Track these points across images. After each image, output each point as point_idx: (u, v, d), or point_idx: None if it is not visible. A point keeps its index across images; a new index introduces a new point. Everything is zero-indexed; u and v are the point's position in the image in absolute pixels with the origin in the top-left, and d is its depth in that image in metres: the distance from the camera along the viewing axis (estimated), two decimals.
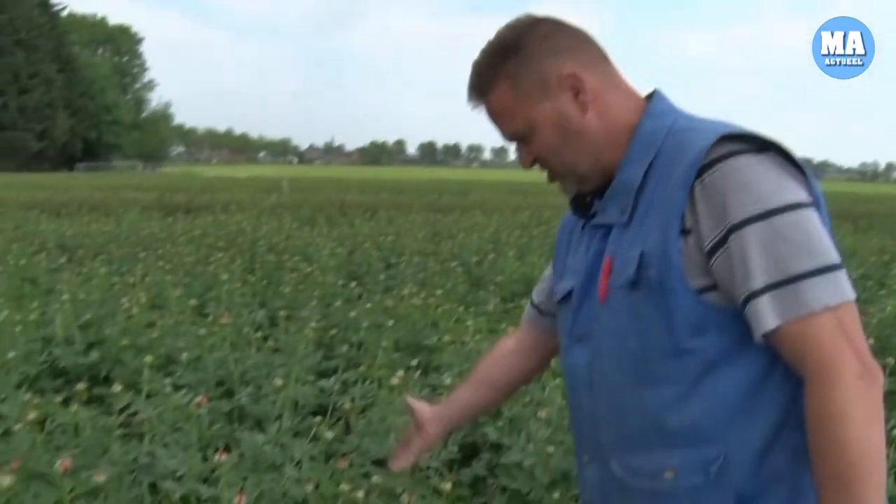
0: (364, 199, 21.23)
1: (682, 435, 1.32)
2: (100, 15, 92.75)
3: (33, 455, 3.00)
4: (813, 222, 1.23)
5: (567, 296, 1.53)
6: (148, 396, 3.67)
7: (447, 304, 6.21)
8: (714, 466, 1.29)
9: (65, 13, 76.51)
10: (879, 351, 4.80)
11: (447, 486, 2.50)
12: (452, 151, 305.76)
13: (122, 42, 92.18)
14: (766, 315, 1.20)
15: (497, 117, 1.48)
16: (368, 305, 5.97)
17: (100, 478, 2.51)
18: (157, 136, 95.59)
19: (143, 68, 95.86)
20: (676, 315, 1.29)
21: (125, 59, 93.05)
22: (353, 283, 6.93)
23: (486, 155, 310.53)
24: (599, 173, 1.45)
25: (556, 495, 3.01)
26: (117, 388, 3.33)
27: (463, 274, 8.13)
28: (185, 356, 4.44)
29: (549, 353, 1.82)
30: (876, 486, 1.14)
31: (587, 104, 1.40)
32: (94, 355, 4.98)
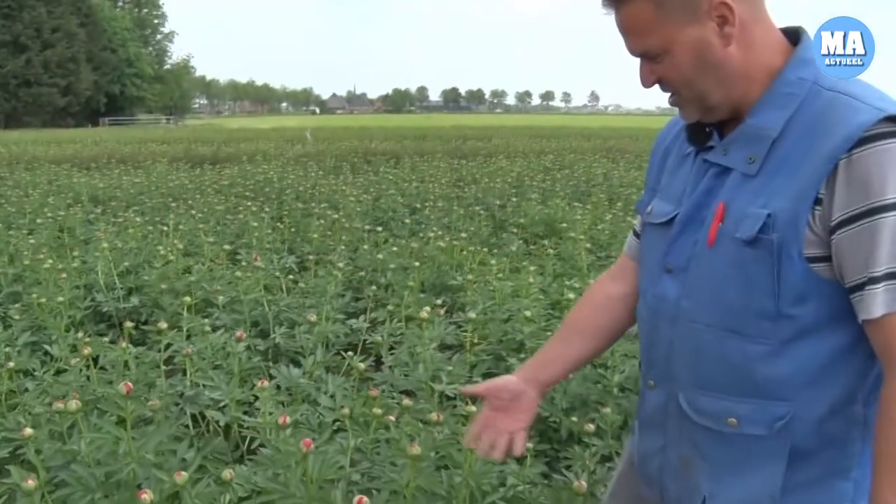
0: (387, 146, 21.24)
1: (757, 389, 1.36)
2: None
3: (88, 388, 3.23)
4: None
5: (665, 222, 1.49)
6: (188, 336, 3.89)
7: (471, 246, 6.37)
8: (780, 423, 1.34)
9: None
10: None
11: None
12: (476, 97, 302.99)
13: None
14: (878, 303, 1.21)
15: (629, 30, 1.37)
16: (395, 249, 6.14)
17: (153, 405, 2.71)
18: (179, 89, 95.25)
19: (163, 19, 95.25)
20: (786, 281, 1.29)
21: (145, 10, 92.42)
22: (380, 228, 7.10)
23: (510, 100, 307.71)
24: (728, 107, 1.39)
25: (573, 418, 3.20)
26: (162, 325, 3.53)
27: (487, 217, 8.28)
28: (221, 299, 4.65)
29: None
30: None
31: (732, 36, 1.32)
32: (134, 300, 5.23)
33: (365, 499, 1.94)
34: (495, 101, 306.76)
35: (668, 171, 1.56)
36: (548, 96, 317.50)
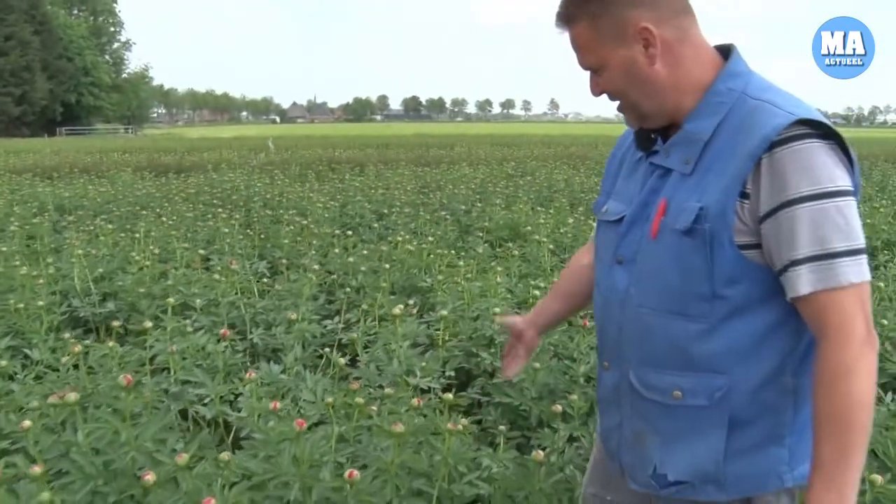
0: (351, 154, 21.40)
1: (697, 364, 1.55)
2: None
3: (79, 384, 3.35)
4: (853, 209, 1.44)
5: (616, 220, 1.71)
6: (170, 337, 4.01)
7: (438, 249, 6.55)
8: (718, 393, 1.54)
9: None
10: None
11: (449, 396, 2.85)
12: (437, 106, 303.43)
13: (96, 1, 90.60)
14: (803, 282, 1.41)
15: (575, 48, 1.63)
16: (364, 252, 6.30)
17: (146, 398, 2.84)
18: (137, 98, 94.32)
19: (119, 27, 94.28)
20: (718, 266, 1.49)
21: (101, 18, 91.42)
22: (349, 233, 7.24)
23: (471, 109, 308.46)
24: (663, 117, 1.62)
25: (542, 406, 3.39)
26: (147, 324, 3.66)
27: (453, 222, 8.48)
28: (198, 302, 4.77)
29: None
30: (864, 432, 1.38)
31: (655, 57, 1.54)
32: (110, 305, 5.32)
33: (356, 472, 2.11)
34: (456, 109, 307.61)
35: (623, 176, 1.79)
36: (508, 104, 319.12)
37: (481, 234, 7.61)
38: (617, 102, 1.66)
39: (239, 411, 3.29)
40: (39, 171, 16.55)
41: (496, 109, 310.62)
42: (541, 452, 2.56)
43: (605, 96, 1.65)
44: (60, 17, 77.98)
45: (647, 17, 1.53)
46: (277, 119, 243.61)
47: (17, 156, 21.96)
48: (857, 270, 1.41)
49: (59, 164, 18.39)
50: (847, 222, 1.42)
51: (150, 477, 2.20)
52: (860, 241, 1.44)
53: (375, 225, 8.18)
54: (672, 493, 1.64)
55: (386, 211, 9.34)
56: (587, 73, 1.66)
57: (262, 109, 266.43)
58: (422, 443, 2.67)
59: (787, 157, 1.43)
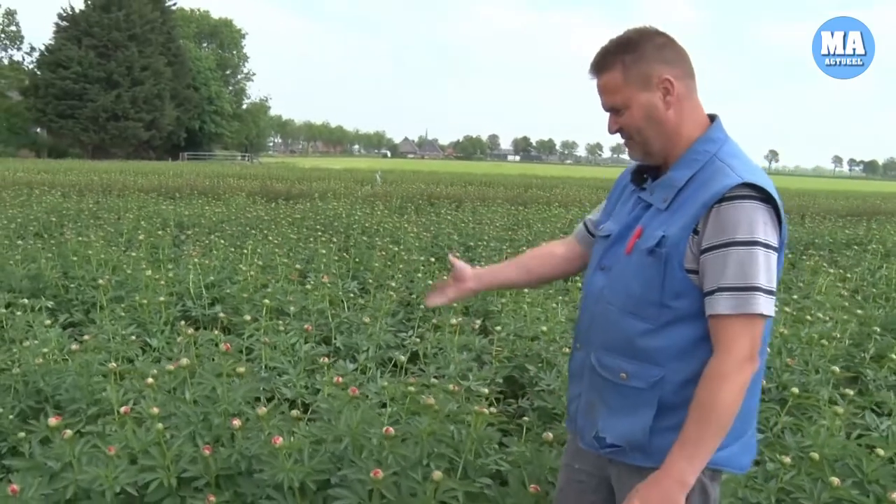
0: (452, 191, 22.15)
1: (641, 355, 1.99)
2: (204, 9, 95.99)
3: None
4: (772, 260, 1.86)
5: (608, 236, 2.16)
6: (265, 333, 4.72)
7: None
8: (653, 380, 1.97)
9: (174, 8, 79.56)
10: None
11: (484, 389, 3.41)
12: (546, 147, 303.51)
13: (224, 35, 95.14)
14: (722, 305, 1.84)
15: (604, 91, 2.03)
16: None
17: (241, 370, 3.50)
18: (255, 127, 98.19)
19: (244, 60, 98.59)
20: (669, 282, 1.93)
21: (228, 52, 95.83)
22: (433, 259, 7.87)
23: (580, 151, 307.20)
24: (660, 156, 2.05)
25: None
26: (247, 317, 4.36)
27: None
28: (292, 308, 5.48)
29: (582, 267, 2.43)
30: (721, 425, 1.83)
31: (671, 104, 1.98)
32: (217, 308, 6.11)
33: (391, 428, 2.71)
34: (566, 151, 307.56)
35: (622, 202, 2.27)
36: (618, 149, 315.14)
37: None
38: (626, 139, 2.08)
39: (317, 393, 3.93)
40: (164, 190, 17.98)
41: (606, 153, 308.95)
42: (550, 434, 3.09)
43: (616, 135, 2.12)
44: (191, 49, 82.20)
45: (669, 71, 1.97)
46: (388, 153, 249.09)
47: (144, 176, 23.75)
48: (764, 305, 1.83)
49: (181, 185, 19.86)
50: (766, 268, 1.84)
51: (237, 422, 2.86)
52: (772, 285, 1.86)
53: (459, 254, 8.80)
54: (608, 454, 2.12)
55: (473, 244, 9.96)
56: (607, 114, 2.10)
57: (374, 143, 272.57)
58: (456, 422, 3.24)
59: (730, 210, 1.85)
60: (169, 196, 16.67)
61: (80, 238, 8.57)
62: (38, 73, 65.90)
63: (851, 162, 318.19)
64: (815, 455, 2.94)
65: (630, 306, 2.02)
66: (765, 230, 1.86)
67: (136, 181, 20.95)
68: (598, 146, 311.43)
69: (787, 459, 2.90)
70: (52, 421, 2.88)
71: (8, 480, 2.85)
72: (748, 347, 1.84)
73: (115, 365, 3.42)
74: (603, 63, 2.02)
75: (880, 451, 2.99)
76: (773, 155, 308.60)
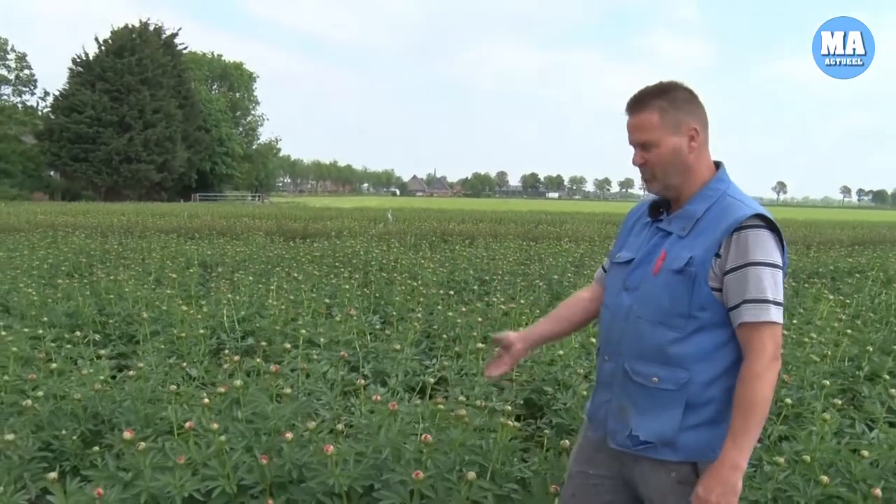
0: (464, 227, 22.55)
1: (671, 360, 2.29)
2: (216, 53, 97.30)
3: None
4: (779, 277, 2.24)
5: (626, 262, 2.49)
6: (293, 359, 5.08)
7: (528, 310, 7.46)
8: (682, 382, 2.28)
9: (185, 52, 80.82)
10: None
11: (507, 407, 3.76)
12: (555, 183, 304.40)
13: (235, 78, 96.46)
14: (746, 314, 2.20)
15: (639, 128, 2.36)
16: (463, 309, 7.29)
17: (287, 391, 3.87)
18: (265, 168, 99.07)
19: (254, 102, 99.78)
20: (695, 296, 2.27)
21: (238, 94, 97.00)
22: (451, 292, 8.24)
23: (589, 187, 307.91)
24: (676, 191, 2.40)
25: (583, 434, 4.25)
26: (287, 346, 4.74)
27: (546, 289, 9.40)
28: (322, 340, 5.85)
29: None
30: (760, 417, 2.17)
31: (693, 149, 2.36)
32: (250, 340, 6.48)
33: (429, 436, 3.07)
34: (574, 187, 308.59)
35: (634, 234, 2.63)
36: (627, 184, 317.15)
37: None
38: (647, 173, 2.42)
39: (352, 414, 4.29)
40: (183, 231, 18.45)
41: (615, 188, 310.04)
42: (567, 442, 3.44)
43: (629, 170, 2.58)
44: (202, 92, 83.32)
45: (695, 122, 2.37)
46: (397, 191, 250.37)
47: (161, 218, 24.32)
48: (777, 315, 2.21)
49: (199, 226, 20.33)
50: (775, 284, 2.22)
51: (289, 435, 3.23)
52: (781, 298, 2.24)
53: (476, 288, 9.17)
54: (640, 451, 2.42)
55: (488, 278, 10.34)
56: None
57: (383, 182, 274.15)
58: (483, 432, 3.60)
59: (748, 236, 2.24)
60: (189, 236, 17.13)
61: (110, 277, 9.00)
62: (53, 117, 66.88)
63: (860, 192, 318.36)
64: (807, 458, 3.28)
65: (660, 318, 2.34)
66: (773, 253, 2.25)
67: (155, 222, 21.48)
68: (607, 181, 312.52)
69: (782, 460, 3.24)
70: (127, 434, 3.24)
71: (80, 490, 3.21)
72: (772, 349, 2.21)
73: (175, 387, 3.79)
74: (643, 103, 2.38)
75: (865, 453, 3.34)
76: (780, 186, 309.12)
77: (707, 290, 2.27)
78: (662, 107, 2.34)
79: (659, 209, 2.53)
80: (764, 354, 2.20)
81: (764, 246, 2.24)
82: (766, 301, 2.20)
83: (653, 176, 2.42)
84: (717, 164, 2.47)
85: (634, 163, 2.42)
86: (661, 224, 2.46)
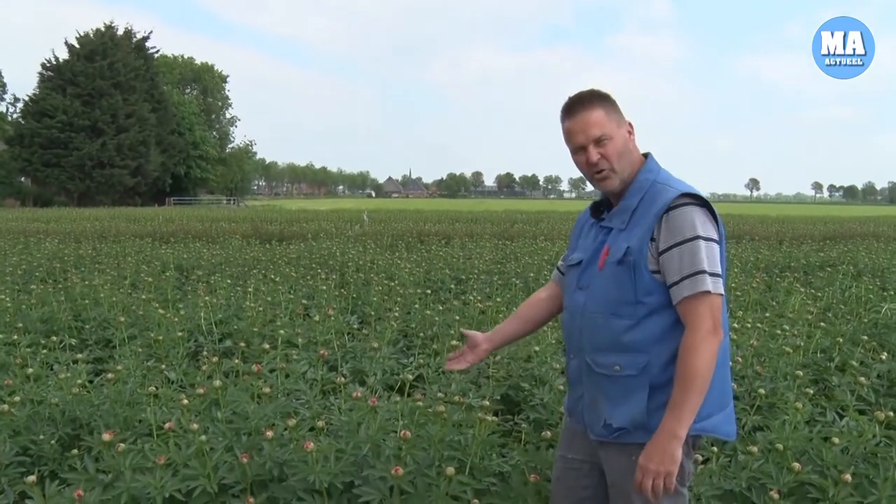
0: (440, 228, 22.62)
1: (628, 347, 2.41)
2: (187, 55, 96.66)
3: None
4: (715, 249, 2.35)
5: (577, 263, 2.63)
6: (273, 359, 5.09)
7: (505, 308, 7.51)
8: (641, 366, 2.43)
9: (157, 55, 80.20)
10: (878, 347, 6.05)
11: (485, 402, 3.78)
12: (530, 183, 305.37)
13: (207, 81, 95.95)
14: (684, 289, 2.30)
15: (591, 124, 2.47)
16: (440, 308, 7.33)
17: (267, 390, 3.88)
18: (240, 171, 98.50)
19: (227, 105, 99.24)
20: (639, 282, 2.38)
21: (210, 98, 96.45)
22: (429, 292, 8.28)
23: (564, 186, 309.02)
24: (627, 182, 2.52)
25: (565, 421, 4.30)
26: (266, 346, 4.75)
27: (522, 287, 9.44)
28: (300, 340, 5.86)
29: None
30: (699, 388, 2.26)
31: (632, 142, 2.55)
32: (228, 342, 6.47)
33: (408, 432, 3.10)
34: (549, 186, 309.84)
35: (584, 236, 2.75)
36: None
37: None
38: (603, 170, 2.52)
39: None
40: (158, 235, 18.36)
41: (589, 187, 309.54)
42: (549, 433, 3.48)
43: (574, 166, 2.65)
44: (175, 95, 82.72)
45: (626, 119, 2.56)
46: (373, 193, 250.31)
47: (135, 222, 24.21)
48: (713, 285, 2.29)
49: (174, 230, 20.23)
50: (710, 255, 2.32)
51: (270, 433, 3.24)
52: (718, 269, 2.34)
53: (452, 287, 9.21)
54: (616, 437, 2.50)
55: (464, 277, 10.38)
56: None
57: (359, 184, 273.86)
58: (462, 427, 3.63)
59: (676, 216, 2.35)
60: (164, 240, 17.06)
61: (85, 282, 8.94)
62: (23, 122, 66.26)
63: (832, 188, 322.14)
64: (780, 446, 3.35)
65: (611, 309, 2.45)
66: (703, 227, 2.34)
67: (130, 227, 21.35)
68: (582, 180, 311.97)
69: (755, 449, 3.31)
70: (107, 436, 3.24)
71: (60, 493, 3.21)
72: (710, 321, 2.28)
73: (154, 389, 3.79)
74: (587, 103, 2.50)
75: (836, 440, 3.42)
76: (753, 183, 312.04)
77: (648, 275, 2.38)
78: (604, 105, 2.49)
79: (600, 209, 2.68)
80: (701, 326, 2.28)
81: (693, 221, 2.34)
82: (701, 272, 2.29)
83: (611, 170, 2.51)
84: (646, 156, 2.61)
85: (590, 161, 2.49)
86: (604, 222, 2.59)
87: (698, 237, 2.32)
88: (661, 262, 2.37)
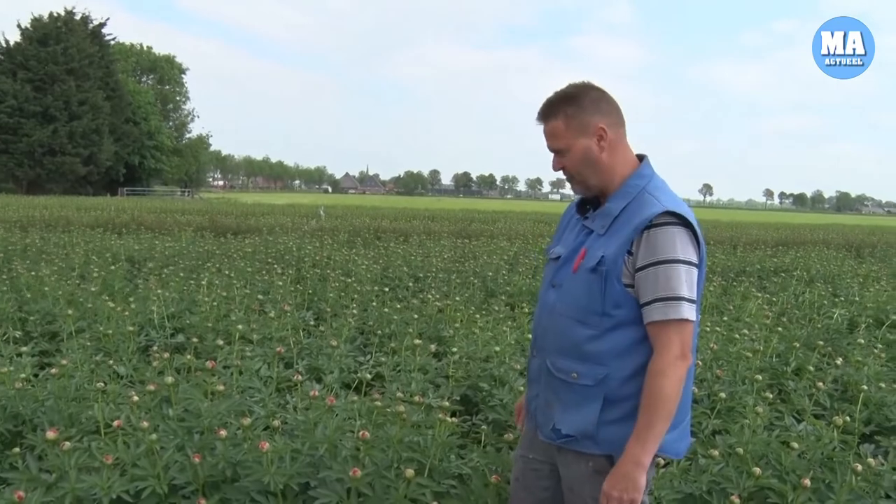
0: (398, 225, 22.52)
1: (588, 357, 2.35)
2: (146, 45, 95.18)
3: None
4: (693, 274, 2.26)
5: (555, 258, 2.55)
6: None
7: (463, 307, 7.47)
8: (599, 378, 2.36)
9: (113, 42, 78.82)
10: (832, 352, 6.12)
11: (445, 402, 3.72)
12: (487, 182, 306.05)
13: (165, 71, 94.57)
14: (655, 313, 2.22)
15: (549, 136, 2.42)
16: (398, 306, 7.25)
17: (221, 388, 3.77)
18: (196, 163, 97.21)
19: (185, 97, 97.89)
20: (609, 294, 2.30)
21: (168, 87, 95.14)
22: (386, 289, 8.19)
23: (521, 186, 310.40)
24: (597, 189, 2.44)
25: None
26: (220, 342, 4.63)
27: (480, 287, 9.41)
28: (255, 336, 5.73)
29: None
30: (665, 414, 2.20)
31: (604, 148, 2.39)
32: (181, 337, 6.32)
33: (366, 433, 3.02)
34: (506, 186, 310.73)
35: (569, 230, 2.66)
36: (558, 184, 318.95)
37: (503, 297, 8.50)
38: (568, 177, 2.48)
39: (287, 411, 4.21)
40: (110, 226, 17.97)
41: (546, 188, 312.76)
42: (511, 435, 3.43)
43: (558, 172, 2.56)
44: (130, 84, 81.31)
45: (603, 120, 2.38)
46: (329, 188, 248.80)
47: (86, 212, 23.64)
48: (687, 311, 2.22)
49: (127, 221, 19.83)
50: (688, 280, 2.24)
51: (223, 433, 3.14)
52: (693, 295, 2.26)
53: (410, 285, 9.13)
54: (563, 443, 2.46)
55: (422, 275, 10.30)
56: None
57: (315, 179, 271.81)
58: (421, 428, 3.56)
59: (657, 234, 2.25)
60: (115, 231, 16.70)
61: (31, 273, 8.69)
62: None
63: (782, 195, 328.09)
64: (741, 450, 3.34)
65: (579, 315, 2.38)
66: (684, 250, 2.26)
67: (80, 216, 20.86)
68: (539, 181, 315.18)
69: (716, 453, 3.30)
70: (51, 434, 3.11)
71: None
72: (679, 347, 2.23)
73: (102, 385, 3.65)
74: (548, 112, 2.43)
75: (794, 445, 3.42)
76: (707, 188, 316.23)
77: (620, 287, 2.30)
78: (567, 112, 2.38)
79: (586, 206, 2.59)
80: (669, 352, 2.23)
81: (674, 243, 2.25)
82: (675, 298, 2.23)
83: (572, 178, 2.48)
84: (641, 158, 2.51)
85: (554, 169, 2.49)
86: (587, 222, 2.50)
87: (678, 260, 2.25)
88: (636, 278, 2.29)
